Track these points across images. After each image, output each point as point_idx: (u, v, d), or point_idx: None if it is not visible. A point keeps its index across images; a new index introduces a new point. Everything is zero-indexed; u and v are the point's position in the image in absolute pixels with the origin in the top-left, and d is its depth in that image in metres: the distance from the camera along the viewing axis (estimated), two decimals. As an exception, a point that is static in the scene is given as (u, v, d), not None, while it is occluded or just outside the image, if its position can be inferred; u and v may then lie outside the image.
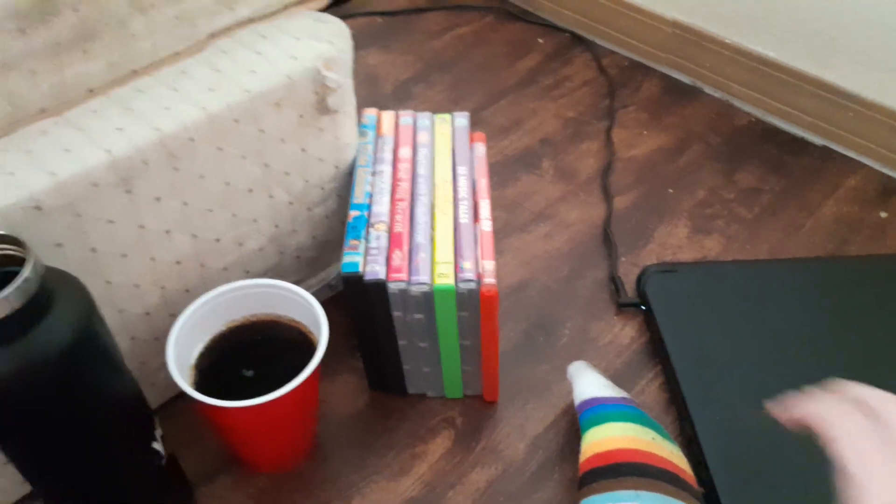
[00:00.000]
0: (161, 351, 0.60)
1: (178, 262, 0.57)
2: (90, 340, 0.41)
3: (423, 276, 0.55)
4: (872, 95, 0.82)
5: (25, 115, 0.48)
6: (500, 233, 0.79)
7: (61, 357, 0.39)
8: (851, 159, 0.86)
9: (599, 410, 0.55)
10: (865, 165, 0.85)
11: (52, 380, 0.40)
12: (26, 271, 0.37)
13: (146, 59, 0.52)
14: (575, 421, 0.58)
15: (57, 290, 0.40)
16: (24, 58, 0.46)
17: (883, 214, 0.80)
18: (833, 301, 0.68)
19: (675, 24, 0.95)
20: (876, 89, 0.82)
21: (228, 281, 0.61)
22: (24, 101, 0.48)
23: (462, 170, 0.63)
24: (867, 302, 0.67)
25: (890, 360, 0.62)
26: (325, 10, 0.62)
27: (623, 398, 0.56)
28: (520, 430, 0.62)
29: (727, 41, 0.92)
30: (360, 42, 1.06)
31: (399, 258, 0.56)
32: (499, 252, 0.77)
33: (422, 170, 0.63)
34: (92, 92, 0.51)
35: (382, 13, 1.11)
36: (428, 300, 0.55)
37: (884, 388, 0.60)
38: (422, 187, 0.62)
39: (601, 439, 0.52)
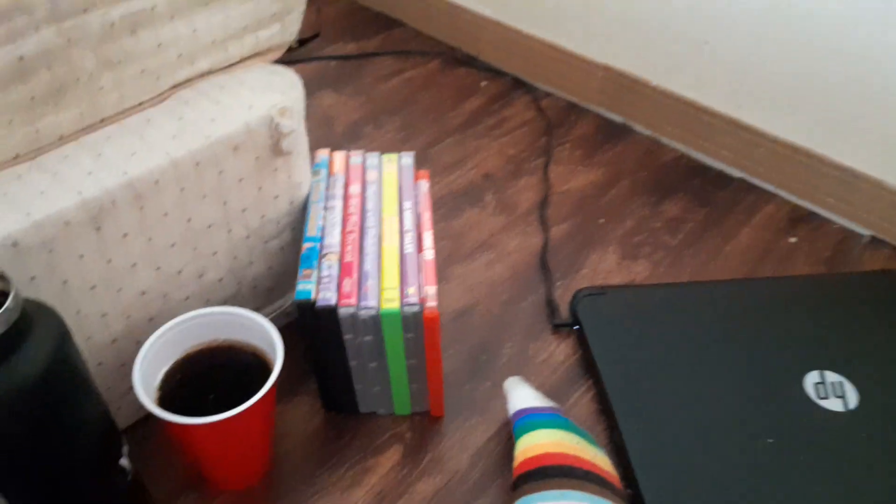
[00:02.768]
0: (126, 376, 0.64)
1: (142, 293, 0.61)
2: (65, 364, 0.45)
3: (371, 301, 0.60)
4: (781, 133, 0.91)
5: (1, 161, 0.53)
6: (445, 261, 0.85)
7: (39, 379, 0.43)
8: (765, 190, 0.94)
9: (530, 419, 0.60)
10: (777, 196, 0.94)
11: (30, 401, 0.43)
12: (8, 302, 0.42)
13: (113, 110, 0.57)
14: (513, 432, 0.64)
15: (35, 319, 0.44)
16: (2, 111, 0.51)
17: (792, 240, 0.88)
18: (748, 318, 0.74)
19: (607, 69, 1.03)
20: (783, 128, 0.90)
21: (190, 309, 0.65)
22: (0, 149, 0.52)
23: (407, 204, 0.69)
24: (778, 318, 0.74)
25: (795, 366, 0.69)
26: (280, 58, 0.68)
27: (551, 408, 0.62)
28: (464, 443, 0.67)
29: (654, 85, 1.00)
30: (314, 85, 1.13)
31: (349, 285, 0.61)
32: (445, 279, 0.83)
33: (370, 205, 0.69)
34: (62, 139, 0.56)
35: (335, 57, 1.17)
36: (376, 323, 0.60)
37: (786, 393, 0.68)
38: (370, 220, 0.67)
39: (531, 445, 0.57)
